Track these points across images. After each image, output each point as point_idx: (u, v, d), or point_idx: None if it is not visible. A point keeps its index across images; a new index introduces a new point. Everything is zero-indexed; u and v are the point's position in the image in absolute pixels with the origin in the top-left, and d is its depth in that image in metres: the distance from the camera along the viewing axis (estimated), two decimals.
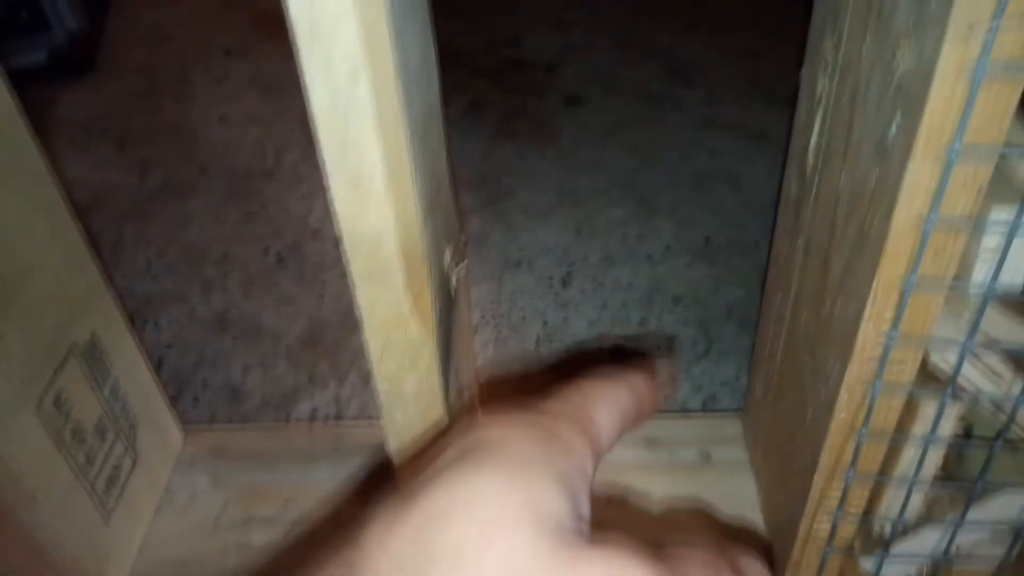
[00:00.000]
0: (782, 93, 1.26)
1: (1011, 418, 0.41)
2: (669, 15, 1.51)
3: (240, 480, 0.68)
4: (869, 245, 0.39)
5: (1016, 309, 0.43)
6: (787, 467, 0.55)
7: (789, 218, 0.53)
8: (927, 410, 0.43)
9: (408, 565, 0.22)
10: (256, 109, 1.30)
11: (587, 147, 1.21)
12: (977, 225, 0.36)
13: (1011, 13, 0.30)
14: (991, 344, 0.41)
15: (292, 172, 1.17)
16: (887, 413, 0.43)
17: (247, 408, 0.81)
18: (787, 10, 1.45)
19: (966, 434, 0.47)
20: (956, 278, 0.38)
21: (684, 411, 0.78)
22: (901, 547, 0.49)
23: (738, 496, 0.63)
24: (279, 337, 0.89)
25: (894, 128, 0.36)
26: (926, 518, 0.49)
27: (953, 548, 0.47)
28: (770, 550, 0.59)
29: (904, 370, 0.41)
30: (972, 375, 0.42)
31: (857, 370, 0.42)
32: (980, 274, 0.38)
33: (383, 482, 0.66)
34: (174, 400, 0.80)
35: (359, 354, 0.86)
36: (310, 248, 1.02)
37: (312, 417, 0.80)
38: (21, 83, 0.50)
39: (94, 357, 0.57)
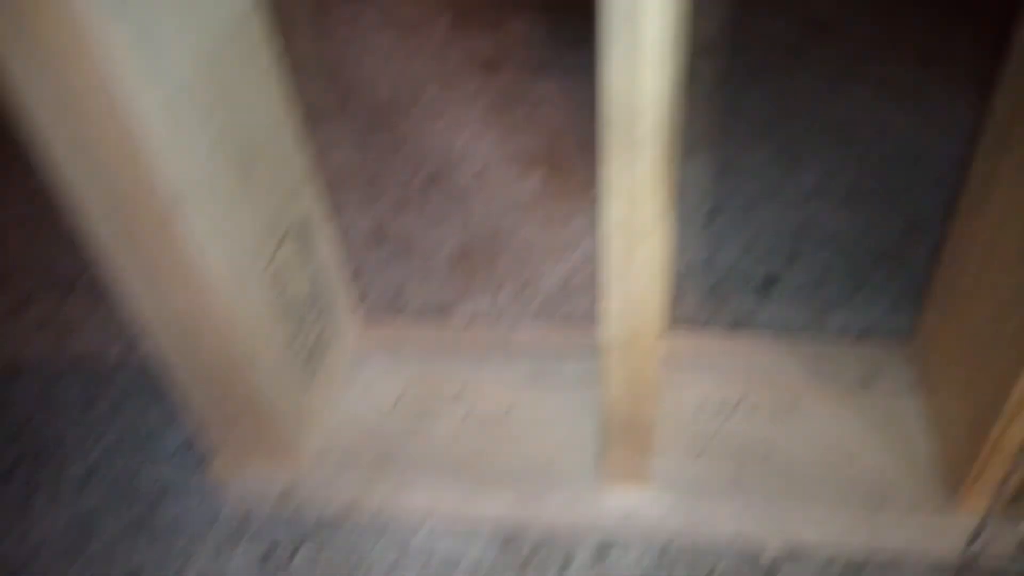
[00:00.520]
0: (925, 50, 1.24)
1: None
2: None
3: (415, 370, 0.73)
4: None
5: None
6: (974, 381, 0.57)
7: (998, 133, 0.55)
8: None
9: None
10: (391, 47, 1.36)
11: (723, 94, 1.22)
12: None
13: None
14: None
15: (430, 107, 1.22)
16: None
17: (408, 314, 0.87)
18: None
19: None
20: None
21: (841, 342, 0.80)
22: None
23: (900, 418, 0.67)
24: (433, 252, 0.95)
25: None
26: None
27: None
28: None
29: None
30: None
31: None
32: None
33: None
34: None
35: (512, 270, 0.91)
36: (454, 176, 1.07)
37: (466, 325, 0.85)
38: None
39: (303, 240, 0.63)
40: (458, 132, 1.15)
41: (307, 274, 0.63)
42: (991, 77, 0.56)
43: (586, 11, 0.51)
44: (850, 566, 0.62)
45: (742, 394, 0.70)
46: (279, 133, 0.58)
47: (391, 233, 0.98)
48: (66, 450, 0.75)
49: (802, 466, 0.63)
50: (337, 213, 1.01)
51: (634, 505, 0.62)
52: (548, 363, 0.73)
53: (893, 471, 0.62)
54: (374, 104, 1.23)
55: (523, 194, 1.02)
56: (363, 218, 1.01)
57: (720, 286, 0.88)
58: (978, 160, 0.58)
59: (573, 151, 1.09)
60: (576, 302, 0.87)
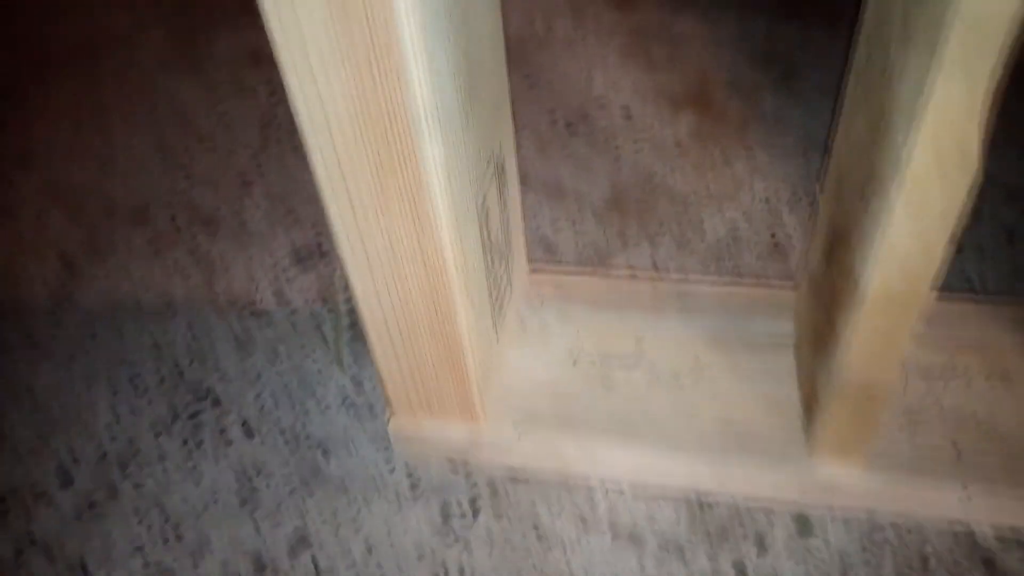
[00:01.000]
0: None
1: None
2: None
3: (587, 323, 0.68)
4: None
5: None
6: None
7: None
8: None
9: None
10: None
11: None
12: None
13: None
14: None
15: (565, 41, 1.15)
16: None
17: (563, 261, 0.81)
18: None
19: None
20: None
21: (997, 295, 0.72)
22: None
23: None
24: (582, 197, 0.89)
25: None
26: None
27: None
28: None
29: None
30: None
31: None
32: None
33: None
34: None
35: (671, 219, 0.85)
36: (597, 117, 1.01)
37: (632, 275, 0.79)
38: None
39: (501, 176, 0.57)
40: (596, 70, 1.08)
41: (502, 214, 0.58)
42: None
43: None
44: None
45: (949, 360, 0.63)
46: (494, 55, 0.52)
47: (537, 178, 0.92)
48: (227, 399, 0.71)
49: None
50: None
51: (841, 478, 0.56)
52: (730, 320, 0.68)
53: None
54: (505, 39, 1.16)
55: (674, 137, 0.95)
56: None
57: None
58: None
59: (723, 91, 1.02)
60: (743, 255, 0.80)
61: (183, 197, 0.94)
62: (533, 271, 0.72)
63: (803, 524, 0.59)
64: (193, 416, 0.71)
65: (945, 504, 0.56)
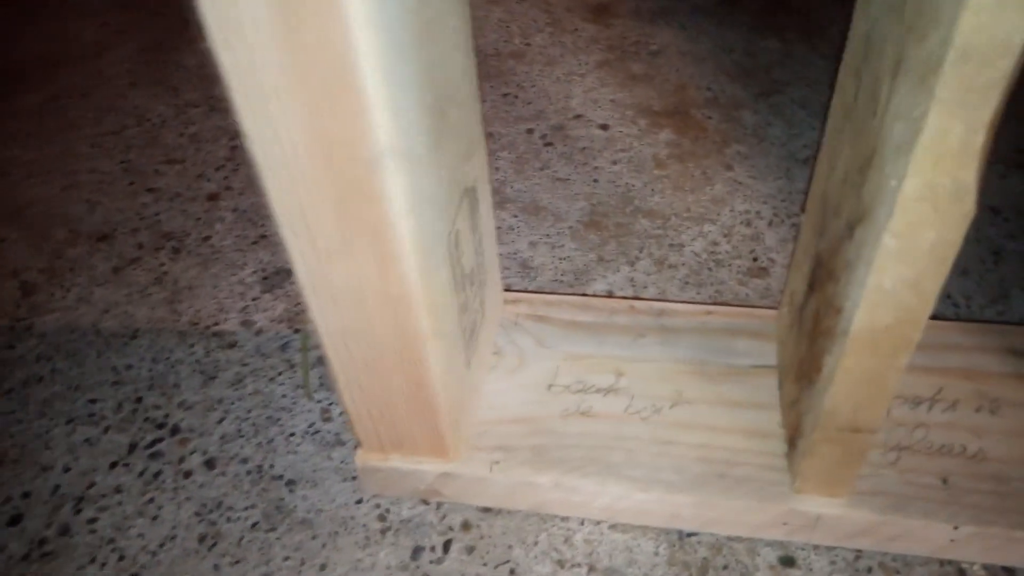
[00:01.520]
0: None
1: None
2: None
3: (564, 349, 0.65)
4: None
5: None
6: None
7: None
8: None
9: None
10: None
11: None
12: None
13: None
14: None
15: (543, 54, 1.13)
16: None
17: (540, 283, 0.79)
18: None
19: None
20: None
21: (980, 321, 0.71)
22: None
23: None
24: (560, 216, 0.87)
25: None
26: None
27: None
28: None
29: None
30: None
31: None
32: None
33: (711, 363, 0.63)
34: None
35: (647, 238, 0.83)
36: (575, 132, 0.98)
37: (609, 296, 0.77)
38: None
39: (473, 203, 0.55)
40: (574, 86, 1.06)
41: (474, 241, 0.55)
42: None
43: None
44: None
45: (936, 388, 0.61)
46: (465, 75, 0.49)
47: (514, 196, 0.90)
48: (188, 429, 0.68)
49: (1017, 474, 0.54)
50: None
51: (826, 514, 0.54)
52: (712, 345, 0.65)
53: None
54: (479, 54, 1.14)
55: (653, 154, 0.93)
56: None
57: None
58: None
59: (702, 107, 1.00)
60: (724, 277, 0.78)
61: (149, 218, 0.91)
62: (508, 295, 0.70)
63: (787, 560, 0.57)
64: (151, 446, 0.68)
65: (934, 542, 0.54)
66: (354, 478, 0.64)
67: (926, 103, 0.34)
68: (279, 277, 0.82)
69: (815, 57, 1.09)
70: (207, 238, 0.88)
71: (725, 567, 0.57)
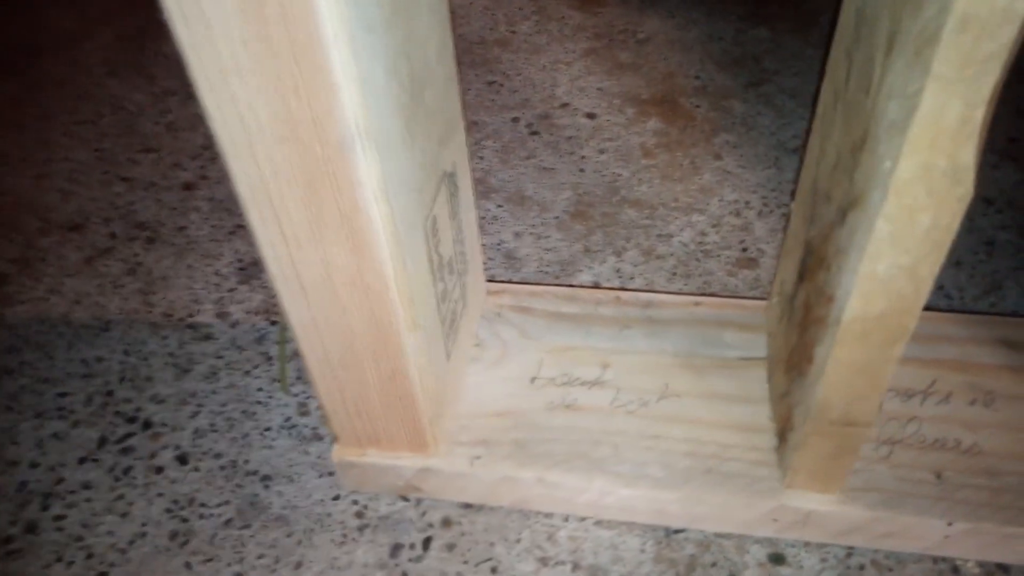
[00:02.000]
0: None
1: None
2: None
3: (548, 341, 0.64)
4: None
5: None
6: None
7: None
8: None
9: None
10: None
11: None
12: None
13: None
14: None
15: (528, 42, 1.11)
16: None
17: (525, 274, 0.77)
18: None
19: None
20: None
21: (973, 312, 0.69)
22: None
23: None
24: (545, 206, 0.85)
25: None
26: None
27: None
28: None
29: None
30: None
31: None
32: None
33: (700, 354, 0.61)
34: None
35: (634, 228, 0.81)
36: (561, 120, 0.96)
37: (595, 287, 0.75)
38: None
39: (452, 191, 0.53)
40: (560, 74, 1.03)
41: (454, 229, 0.53)
42: None
43: None
44: None
45: (929, 381, 0.60)
46: (443, 59, 0.47)
47: (498, 186, 0.88)
48: (159, 423, 0.66)
49: (1011, 468, 0.53)
50: None
51: (817, 510, 0.52)
52: (700, 337, 0.64)
53: None
54: (464, 42, 1.11)
55: (640, 143, 0.91)
56: (469, 168, 0.91)
57: None
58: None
59: (690, 96, 0.98)
60: (713, 266, 0.76)
61: (123, 208, 0.88)
62: (491, 286, 0.67)
63: (777, 558, 0.55)
64: (122, 441, 0.65)
65: (928, 539, 0.52)
66: (331, 474, 0.62)
67: (922, 78, 0.32)
68: (256, 268, 0.80)
69: (805, 47, 1.07)
70: (182, 228, 0.86)
71: (713, 564, 0.56)
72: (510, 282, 0.74)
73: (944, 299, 0.73)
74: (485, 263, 0.77)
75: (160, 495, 0.62)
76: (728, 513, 0.55)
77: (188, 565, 0.57)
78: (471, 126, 0.97)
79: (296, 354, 0.71)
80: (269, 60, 0.35)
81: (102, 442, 0.66)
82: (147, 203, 0.89)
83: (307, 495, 0.61)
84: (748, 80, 1.02)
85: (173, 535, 0.59)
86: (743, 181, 0.87)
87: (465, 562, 0.56)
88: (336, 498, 0.61)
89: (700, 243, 0.80)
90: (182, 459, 0.64)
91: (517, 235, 0.82)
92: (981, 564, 0.54)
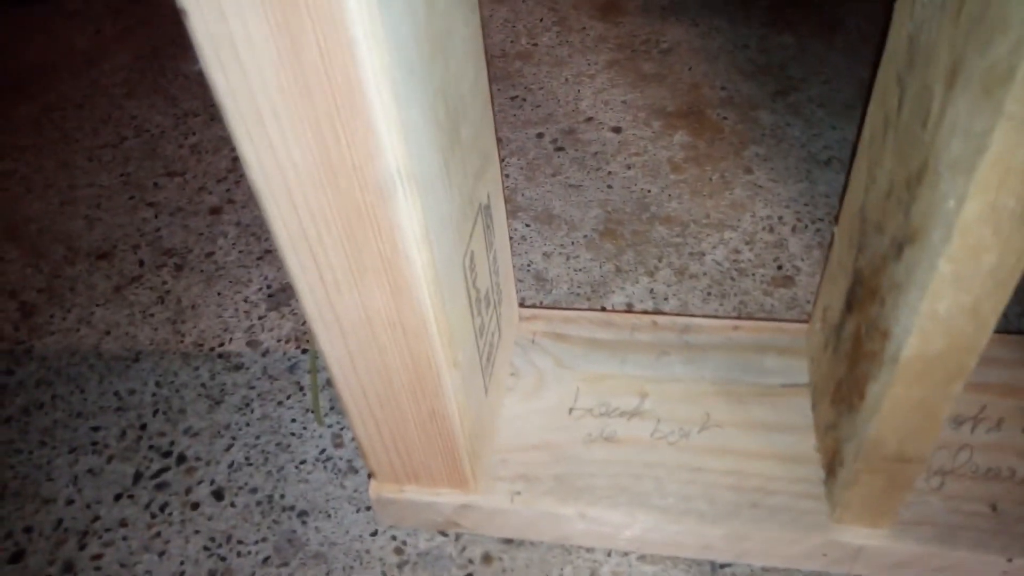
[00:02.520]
0: None
1: None
2: None
3: (585, 369, 0.62)
4: None
5: None
6: None
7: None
8: None
9: None
10: None
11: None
12: None
13: None
14: None
15: (550, 55, 1.10)
16: None
17: (556, 296, 0.76)
18: None
19: None
20: None
21: (1020, 332, 0.68)
22: None
23: None
24: (574, 225, 0.83)
25: None
26: None
27: None
28: None
29: None
30: None
31: None
32: None
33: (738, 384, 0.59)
34: None
35: (666, 247, 0.80)
36: (586, 135, 0.95)
37: (628, 310, 0.74)
38: None
39: (487, 223, 0.52)
40: (584, 87, 1.02)
41: (489, 260, 0.52)
42: None
43: None
44: None
45: (979, 407, 0.58)
46: (478, 92, 0.46)
47: (526, 205, 0.86)
48: (194, 457, 0.65)
49: None
50: None
51: (868, 545, 0.50)
52: (740, 363, 0.62)
53: None
54: (485, 56, 1.10)
55: (668, 157, 0.90)
56: None
57: None
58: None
59: (717, 105, 0.96)
60: (748, 285, 0.75)
61: (150, 234, 0.88)
62: (524, 312, 0.66)
63: None
64: (157, 476, 0.65)
65: (985, 575, 0.50)
66: (368, 508, 0.61)
67: (992, 118, 0.30)
68: (285, 294, 0.79)
69: (832, 53, 1.06)
70: (210, 254, 0.85)
71: None
72: (542, 306, 0.73)
73: None
74: (516, 286, 0.76)
75: (197, 532, 0.61)
76: (776, 548, 0.53)
77: None
78: (497, 142, 0.96)
79: (328, 383, 0.70)
80: (307, 107, 0.34)
81: (137, 477, 0.65)
82: (174, 228, 0.89)
83: (345, 531, 0.60)
84: (775, 89, 1.00)
85: (212, 574, 0.59)
86: (775, 195, 0.85)
87: None
88: (374, 534, 0.60)
89: (734, 261, 0.78)
90: (218, 494, 0.63)
91: (546, 255, 0.81)
92: None
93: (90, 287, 0.82)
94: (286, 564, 0.58)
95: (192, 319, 0.78)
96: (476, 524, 0.57)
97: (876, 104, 0.46)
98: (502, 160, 0.93)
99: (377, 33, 0.32)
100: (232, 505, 0.63)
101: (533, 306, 0.73)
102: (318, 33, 0.32)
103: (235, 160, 0.97)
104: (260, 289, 0.80)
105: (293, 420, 0.68)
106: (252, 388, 0.71)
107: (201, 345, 0.75)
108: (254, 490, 0.63)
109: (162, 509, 0.63)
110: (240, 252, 0.85)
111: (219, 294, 0.80)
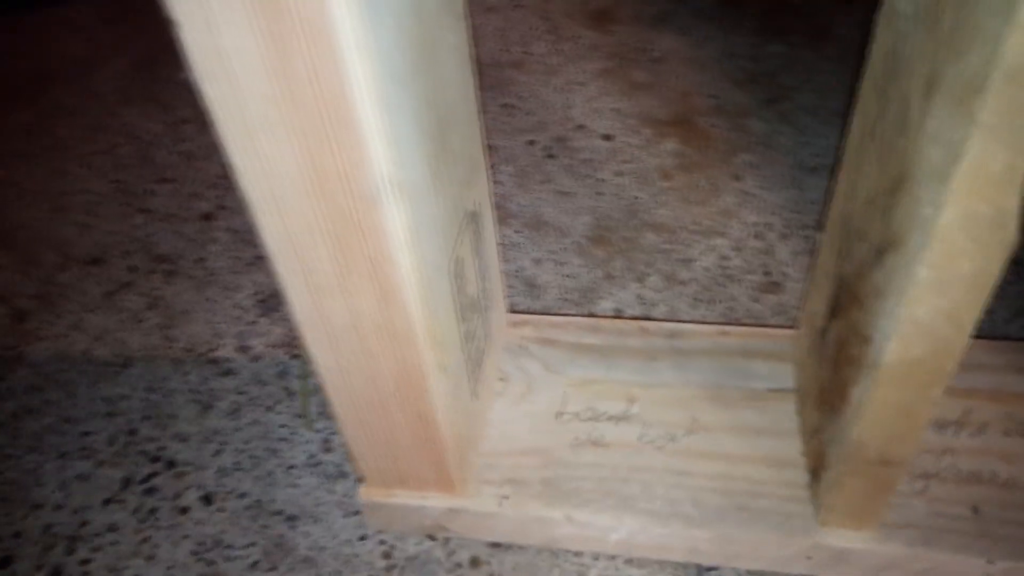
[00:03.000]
0: None
1: None
2: None
3: (573, 374, 0.63)
4: None
5: None
6: None
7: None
8: None
9: None
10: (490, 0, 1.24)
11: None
12: None
13: None
14: None
15: (542, 63, 1.10)
16: None
17: (546, 302, 0.76)
18: None
19: None
20: None
21: (1006, 338, 0.68)
22: None
23: None
24: (564, 231, 0.84)
25: None
26: None
27: None
28: None
29: None
30: None
31: None
32: None
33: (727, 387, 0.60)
34: None
35: (655, 253, 0.80)
36: (577, 142, 0.96)
37: (617, 315, 0.74)
38: None
39: (475, 230, 0.52)
40: (575, 94, 1.03)
41: (477, 266, 0.53)
42: None
43: None
44: None
45: (962, 411, 0.59)
46: (465, 100, 0.47)
47: (517, 211, 0.87)
48: (183, 462, 0.65)
49: None
50: None
51: (851, 546, 0.51)
52: (727, 367, 0.63)
53: None
54: (478, 64, 1.11)
55: (658, 164, 0.91)
56: None
57: None
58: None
59: (707, 113, 0.97)
60: (736, 291, 0.75)
61: (141, 240, 0.88)
62: (513, 317, 0.67)
63: None
64: (146, 481, 0.65)
65: (966, 570, 0.51)
66: (357, 513, 0.61)
67: (966, 127, 0.31)
68: (276, 300, 0.80)
69: (821, 61, 1.07)
70: (201, 260, 0.86)
71: None
72: (531, 312, 0.73)
73: None
74: (505, 292, 0.77)
75: (186, 537, 0.61)
76: (762, 551, 0.54)
77: None
78: (489, 150, 0.96)
79: (317, 389, 0.71)
80: (297, 117, 0.35)
81: (126, 483, 0.65)
82: (166, 235, 0.89)
83: (333, 535, 0.60)
84: (765, 97, 1.01)
85: None
86: (764, 202, 0.86)
87: None
88: (363, 538, 0.60)
89: (723, 267, 0.79)
90: (207, 499, 0.64)
91: (536, 262, 0.82)
92: None
93: (81, 293, 0.83)
94: (274, 568, 0.59)
95: (183, 325, 0.78)
96: (464, 528, 0.57)
97: (858, 114, 0.47)
98: (493, 167, 0.94)
99: (364, 43, 0.32)
100: (221, 510, 0.63)
101: (523, 312, 0.73)
102: (306, 43, 0.32)
103: (226, 167, 0.97)
104: (251, 295, 0.80)
105: (282, 425, 0.68)
106: (242, 393, 0.71)
107: (191, 351, 0.76)
108: (243, 495, 0.64)
109: (151, 514, 0.63)
110: (231, 258, 0.85)
111: (209, 300, 0.80)
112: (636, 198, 0.87)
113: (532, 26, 1.18)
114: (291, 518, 0.62)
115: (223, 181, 0.95)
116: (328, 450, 0.66)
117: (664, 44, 1.12)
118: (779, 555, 0.54)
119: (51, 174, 0.98)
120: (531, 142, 0.96)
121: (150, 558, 0.60)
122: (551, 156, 0.94)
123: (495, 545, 0.58)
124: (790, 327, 0.66)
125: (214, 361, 0.74)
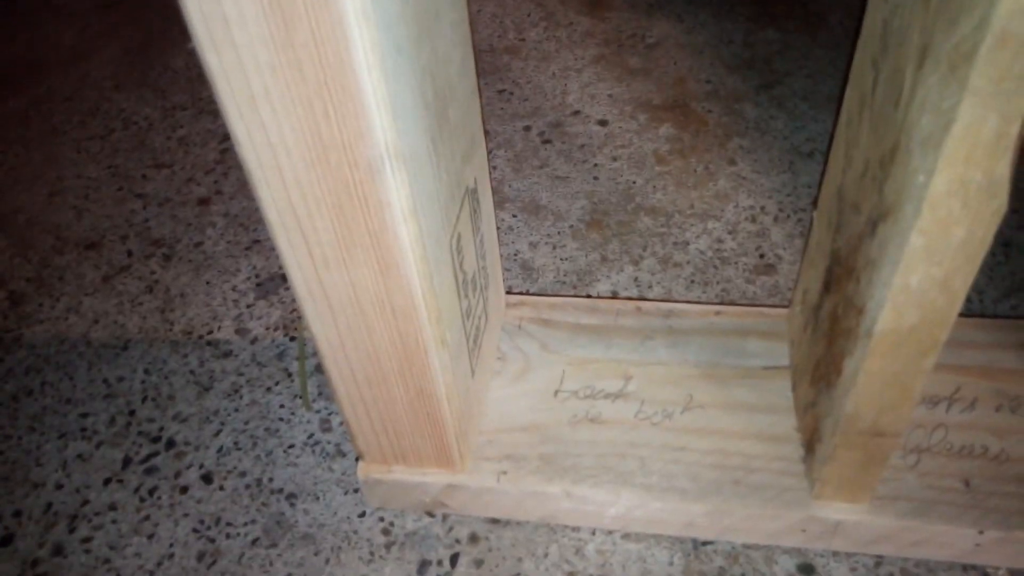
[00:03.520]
0: None
1: None
2: None
3: (570, 353, 0.63)
4: None
5: None
6: None
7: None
8: None
9: None
10: None
11: None
12: None
13: None
14: None
15: (537, 49, 1.11)
16: None
17: (542, 284, 0.77)
18: None
19: None
20: None
21: (995, 316, 0.69)
22: None
23: None
24: (560, 215, 0.84)
25: None
26: None
27: None
28: None
29: None
30: None
31: None
32: None
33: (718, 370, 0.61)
34: None
35: (651, 236, 0.81)
36: (573, 128, 0.96)
37: (614, 297, 0.75)
38: None
39: (474, 207, 0.53)
40: (570, 79, 1.03)
41: (476, 244, 0.53)
42: None
43: None
44: None
45: (954, 387, 0.59)
46: (465, 76, 0.47)
47: (513, 196, 0.87)
48: (183, 442, 0.66)
49: None
50: None
51: (846, 520, 0.52)
52: (722, 346, 0.63)
53: None
54: (474, 50, 1.11)
55: (654, 149, 0.91)
56: None
57: None
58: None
59: (702, 99, 0.98)
60: (731, 273, 0.76)
61: (138, 224, 0.88)
62: (511, 298, 0.67)
63: (806, 568, 0.55)
64: (146, 461, 0.65)
65: (958, 547, 0.52)
66: (356, 490, 0.62)
67: (958, 94, 0.32)
68: (273, 283, 0.80)
69: (815, 47, 1.07)
70: (199, 244, 0.86)
71: (742, 575, 0.55)
72: (528, 293, 0.74)
73: (964, 303, 0.73)
74: (502, 275, 0.77)
75: (186, 515, 0.62)
76: (756, 524, 0.55)
77: None
78: (485, 135, 0.97)
79: (317, 369, 0.71)
80: (299, 86, 0.35)
81: (126, 462, 0.66)
82: (162, 219, 0.89)
83: (333, 512, 0.61)
84: (759, 83, 1.02)
85: (200, 556, 0.59)
86: (758, 186, 0.86)
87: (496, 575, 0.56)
88: (362, 515, 0.60)
89: (717, 250, 0.80)
90: (207, 478, 0.64)
91: (533, 245, 0.82)
92: (1013, 572, 0.54)
93: (79, 276, 0.83)
94: (275, 545, 0.59)
95: (181, 308, 0.78)
96: (463, 504, 0.58)
97: (852, 87, 0.47)
98: (490, 153, 0.94)
99: (367, 11, 0.33)
100: (221, 489, 0.63)
101: (520, 294, 0.74)
102: (309, 11, 0.32)
103: (223, 152, 0.98)
104: (248, 278, 0.81)
105: (282, 406, 0.69)
106: (241, 375, 0.72)
107: (190, 333, 0.76)
108: (243, 474, 0.64)
109: (151, 493, 0.63)
110: (228, 242, 0.85)
111: (208, 283, 0.81)
112: (631, 182, 0.88)
113: (527, 12, 1.18)
114: (291, 496, 0.62)
115: (219, 166, 0.95)
116: (327, 430, 0.67)
117: (659, 30, 1.12)
118: (773, 528, 0.54)
119: (47, 159, 0.98)
120: (527, 127, 0.97)
121: (151, 536, 0.61)
122: (547, 141, 0.95)
123: (493, 521, 0.59)
124: (784, 307, 0.67)
125: (212, 343, 0.75)
